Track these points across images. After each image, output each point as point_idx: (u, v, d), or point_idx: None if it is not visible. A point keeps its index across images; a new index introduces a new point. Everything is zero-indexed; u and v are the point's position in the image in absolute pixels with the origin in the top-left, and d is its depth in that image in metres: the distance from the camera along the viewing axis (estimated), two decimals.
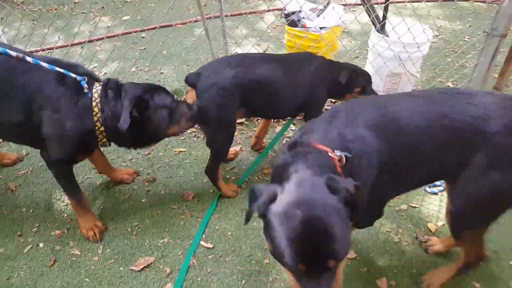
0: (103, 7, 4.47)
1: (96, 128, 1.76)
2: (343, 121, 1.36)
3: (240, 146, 2.60)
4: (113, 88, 1.78)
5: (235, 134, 2.24)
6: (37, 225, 2.09)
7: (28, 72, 1.70)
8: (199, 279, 1.84)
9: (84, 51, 3.65)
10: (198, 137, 2.71)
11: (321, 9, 3.02)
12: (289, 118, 2.60)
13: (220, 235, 2.05)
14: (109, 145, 1.88)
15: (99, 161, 2.22)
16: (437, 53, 3.55)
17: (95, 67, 3.38)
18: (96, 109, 1.74)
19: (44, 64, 1.71)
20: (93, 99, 1.74)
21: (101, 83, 1.81)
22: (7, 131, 1.83)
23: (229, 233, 2.06)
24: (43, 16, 4.06)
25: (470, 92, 1.43)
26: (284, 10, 3.01)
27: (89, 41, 3.41)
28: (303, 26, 2.85)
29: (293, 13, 2.92)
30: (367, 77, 2.42)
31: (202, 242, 2.00)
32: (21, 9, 4.53)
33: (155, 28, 3.36)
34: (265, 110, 2.17)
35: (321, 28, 2.85)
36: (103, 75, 3.32)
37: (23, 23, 4.13)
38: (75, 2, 4.60)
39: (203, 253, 1.96)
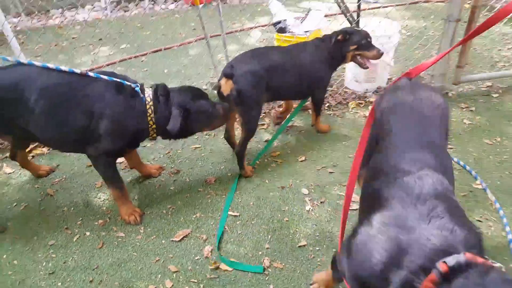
0: (100, 39, 4.91)
1: (149, 126, 2.18)
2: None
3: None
4: (162, 93, 2.21)
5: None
6: (80, 219, 2.41)
7: (90, 84, 2.09)
8: (231, 239, 2.20)
9: None
10: (209, 135, 3.10)
11: (303, 17, 3.53)
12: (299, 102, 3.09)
13: (244, 205, 2.43)
14: (155, 139, 2.30)
15: (133, 157, 2.59)
16: (407, 48, 4.09)
17: None
18: (149, 111, 2.16)
19: (104, 77, 2.12)
20: (146, 102, 2.16)
21: (151, 89, 2.23)
22: (66, 138, 2.15)
23: (251, 203, 2.44)
24: (46, 52, 4.47)
25: None
26: (272, 20, 3.52)
27: (91, 70, 3.80)
28: (290, 31, 3.35)
29: (280, 22, 3.43)
30: (360, 34, 2.80)
31: (230, 212, 2.37)
32: (23, 49, 4.92)
33: (160, 50, 3.81)
34: (281, 91, 2.68)
35: (305, 31, 3.35)
36: None
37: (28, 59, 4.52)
38: (73, 38, 5.03)
39: (232, 220, 2.32)
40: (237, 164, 2.64)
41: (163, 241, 2.22)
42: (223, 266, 2.05)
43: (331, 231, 2.23)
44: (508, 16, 1.59)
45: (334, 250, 2.11)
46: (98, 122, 2.07)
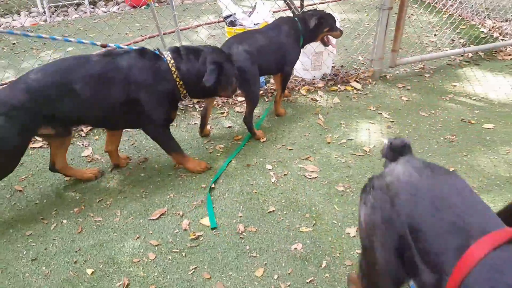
0: (44, 44, 4.88)
1: (177, 83, 2.47)
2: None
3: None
4: (184, 52, 2.49)
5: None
6: (55, 209, 2.48)
7: (115, 59, 2.36)
8: (207, 212, 2.42)
9: None
10: (172, 125, 3.28)
11: (250, 11, 3.83)
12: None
13: (214, 182, 2.65)
14: (186, 97, 2.58)
15: (115, 140, 2.73)
16: (346, 38, 4.53)
17: None
18: (173, 69, 2.44)
19: (125, 47, 2.43)
20: (168, 61, 2.44)
21: (168, 50, 2.52)
22: (116, 115, 2.43)
23: (221, 180, 2.67)
24: None
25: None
26: (222, 14, 3.78)
27: None
28: (241, 24, 3.63)
29: (229, 16, 3.69)
30: (332, 18, 3.28)
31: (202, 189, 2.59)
32: None
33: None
34: (265, 67, 3.05)
35: (255, 24, 3.64)
36: None
37: None
38: (13, 44, 4.94)
39: (205, 197, 2.54)
40: (248, 131, 3.07)
41: (141, 221, 2.38)
42: (202, 234, 2.27)
43: (295, 198, 2.53)
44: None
45: (299, 212, 2.40)
46: (134, 94, 2.37)
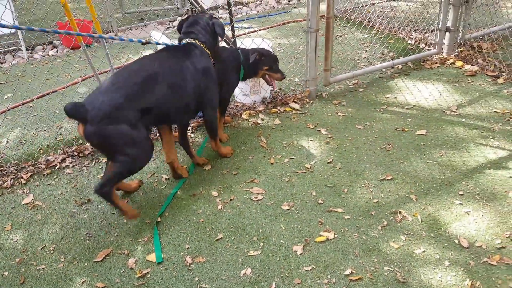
0: None
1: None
2: None
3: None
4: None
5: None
6: None
7: (178, 53, 2.72)
8: (153, 248, 2.41)
9: None
10: None
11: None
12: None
13: (160, 217, 2.64)
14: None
15: (173, 150, 2.96)
16: (282, 62, 4.72)
17: None
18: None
19: (174, 42, 2.91)
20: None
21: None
22: (189, 105, 2.75)
23: (166, 214, 2.68)
24: None
25: None
26: (157, 49, 3.84)
27: None
28: None
29: None
30: (272, 58, 3.50)
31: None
32: None
33: (46, 94, 3.84)
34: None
35: None
36: (5, 144, 3.66)
37: None
38: None
39: (151, 233, 2.53)
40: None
41: (86, 264, 2.34)
42: (149, 271, 2.25)
43: (243, 222, 2.57)
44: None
45: (247, 236, 2.45)
46: (201, 83, 2.71)
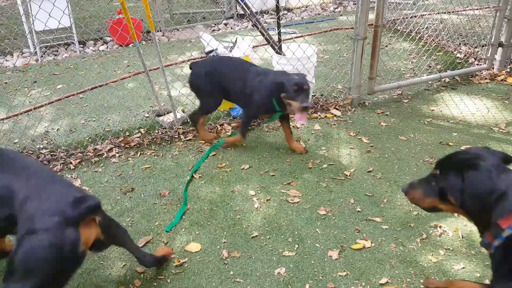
0: (35, 82, 5.04)
1: None
2: None
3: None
4: None
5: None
6: None
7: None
8: (191, 239, 2.50)
9: (30, 118, 4.16)
10: (158, 156, 3.39)
11: (231, 46, 4.03)
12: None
13: (199, 210, 2.76)
14: None
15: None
16: (325, 68, 4.75)
17: (45, 126, 3.93)
18: None
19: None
20: None
21: None
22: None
23: (205, 208, 2.78)
24: None
25: None
26: (205, 50, 3.98)
27: (35, 108, 3.96)
28: None
29: (212, 51, 3.88)
30: (291, 82, 3.02)
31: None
32: None
33: (97, 87, 4.07)
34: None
35: None
36: (56, 131, 3.88)
37: None
38: (5, 83, 5.10)
39: (190, 224, 2.63)
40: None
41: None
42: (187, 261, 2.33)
43: (278, 222, 2.61)
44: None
45: (282, 236, 2.48)
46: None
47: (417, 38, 5.55)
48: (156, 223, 2.65)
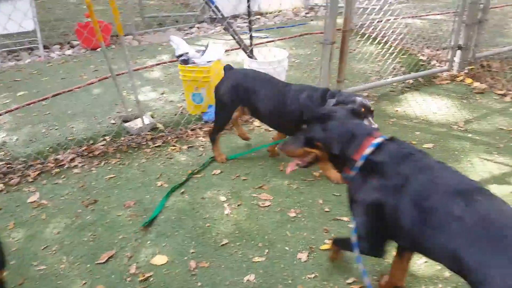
0: None
1: None
2: None
3: None
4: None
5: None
6: None
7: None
8: (157, 251, 2.34)
9: None
10: (123, 164, 3.20)
11: (203, 50, 3.89)
12: None
13: (166, 221, 2.59)
14: None
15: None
16: (297, 71, 4.68)
17: (3, 137, 3.66)
18: None
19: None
20: None
21: None
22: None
23: (173, 217, 2.61)
24: None
25: None
26: (175, 53, 3.81)
27: None
28: (193, 62, 3.67)
29: (182, 54, 3.72)
30: (353, 103, 2.62)
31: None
32: None
33: (60, 93, 3.82)
34: None
35: (208, 62, 3.69)
36: (15, 141, 3.62)
37: None
38: None
39: (156, 235, 2.46)
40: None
41: (88, 265, 2.26)
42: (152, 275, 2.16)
43: (249, 227, 2.49)
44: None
45: (252, 242, 2.36)
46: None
47: (383, 41, 5.57)
48: (120, 236, 2.46)
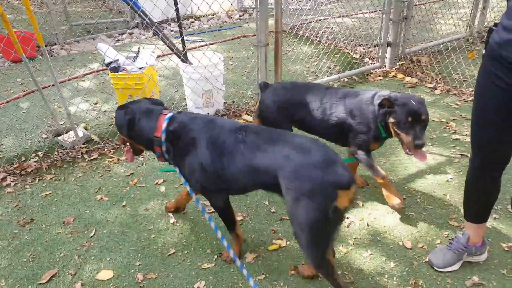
0: None
1: None
2: None
3: None
4: None
5: None
6: None
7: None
8: (102, 267, 2.36)
9: None
10: (59, 180, 3.14)
11: (134, 56, 3.89)
12: None
13: (109, 235, 2.60)
14: None
15: None
16: (234, 75, 4.82)
17: None
18: None
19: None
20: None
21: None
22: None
23: (116, 231, 2.63)
24: None
25: None
26: (103, 62, 3.77)
27: None
28: (124, 69, 3.66)
29: (111, 62, 3.70)
30: (405, 108, 2.36)
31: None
32: None
33: None
34: None
35: (140, 68, 3.70)
36: None
37: None
38: None
39: (99, 250, 2.46)
40: None
41: (30, 287, 2.23)
42: None
43: (196, 235, 2.57)
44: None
45: (201, 249, 2.45)
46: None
47: (316, 42, 5.87)
48: (61, 254, 2.44)
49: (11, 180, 3.13)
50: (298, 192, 1.76)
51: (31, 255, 2.44)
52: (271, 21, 3.58)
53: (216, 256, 2.40)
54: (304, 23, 6.06)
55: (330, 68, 5.05)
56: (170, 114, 2.14)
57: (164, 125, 2.09)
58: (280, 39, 3.95)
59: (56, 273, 2.30)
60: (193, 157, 2.05)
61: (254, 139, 1.96)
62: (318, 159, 1.79)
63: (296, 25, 6.47)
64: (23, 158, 3.40)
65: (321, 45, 5.63)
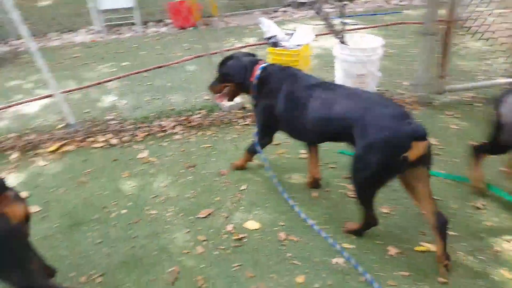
0: (102, 58, 5.41)
1: None
2: None
3: None
4: None
5: None
6: (115, 200, 2.89)
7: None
8: (250, 218, 2.66)
9: (99, 91, 4.50)
10: (217, 137, 3.59)
11: (291, 33, 4.13)
12: None
13: (256, 193, 2.90)
14: None
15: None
16: (391, 62, 4.73)
17: (114, 100, 4.24)
18: None
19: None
20: None
21: None
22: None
23: (263, 190, 2.92)
24: (51, 70, 4.91)
25: None
26: (264, 36, 4.10)
27: (105, 81, 4.29)
28: (282, 46, 3.94)
29: (272, 37, 4.00)
30: None
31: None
32: (28, 67, 5.36)
33: (161, 66, 4.33)
34: None
35: (297, 45, 3.93)
36: (124, 105, 4.20)
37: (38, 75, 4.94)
38: (74, 57, 5.51)
39: (250, 204, 2.80)
40: None
41: (190, 217, 2.66)
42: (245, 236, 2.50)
43: (339, 215, 2.65)
44: None
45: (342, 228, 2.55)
46: None
47: (491, 38, 5.34)
48: (217, 198, 2.83)
49: (180, 129, 3.71)
50: (373, 139, 2.02)
51: (193, 192, 2.90)
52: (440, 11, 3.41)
53: (356, 240, 2.43)
54: (479, 16, 5.57)
55: (506, 70, 4.59)
56: (263, 65, 2.68)
57: (257, 72, 2.64)
58: (452, 30, 3.77)
59: (212, 212, 2.70)
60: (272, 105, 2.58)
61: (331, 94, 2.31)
62: (395, 112, 2.04)
63: (468, 17, 5.97)
64: (189, 113, 3.95)
65: (498, 43, 5.11)
